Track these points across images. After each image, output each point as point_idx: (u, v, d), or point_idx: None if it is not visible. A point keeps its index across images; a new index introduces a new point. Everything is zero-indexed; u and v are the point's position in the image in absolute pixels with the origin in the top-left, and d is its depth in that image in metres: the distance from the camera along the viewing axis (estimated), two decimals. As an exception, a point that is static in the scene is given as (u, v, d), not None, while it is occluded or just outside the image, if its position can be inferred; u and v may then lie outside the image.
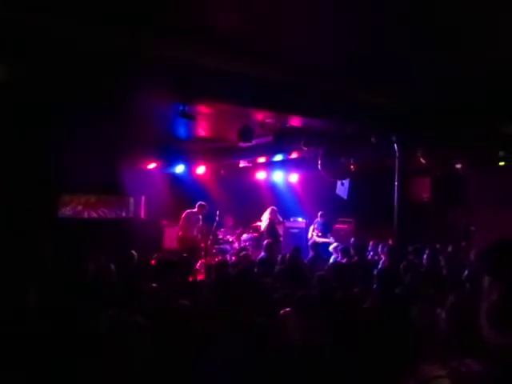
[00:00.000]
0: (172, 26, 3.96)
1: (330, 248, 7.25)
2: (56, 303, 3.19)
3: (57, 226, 8.61)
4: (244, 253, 7.47)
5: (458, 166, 8.69)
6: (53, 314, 2.96)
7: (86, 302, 3.26)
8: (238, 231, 10.44)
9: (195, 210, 8.79)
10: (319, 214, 9.26)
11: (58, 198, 9.58)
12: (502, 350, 1.13)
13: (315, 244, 7.49)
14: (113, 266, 4.87)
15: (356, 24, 3.83)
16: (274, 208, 9.38)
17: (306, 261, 6.57)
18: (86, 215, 10.06)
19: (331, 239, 8.91)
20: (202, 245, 9.10)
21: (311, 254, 7.13)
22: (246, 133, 6.07)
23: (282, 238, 9.67)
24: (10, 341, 2.58)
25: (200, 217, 8.83)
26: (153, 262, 6.13)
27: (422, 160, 7.39)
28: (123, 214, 10.62)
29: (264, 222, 9.31)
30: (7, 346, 2.54)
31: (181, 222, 8.79)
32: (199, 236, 8.91)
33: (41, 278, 3.89)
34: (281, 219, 9.61)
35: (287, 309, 2.85)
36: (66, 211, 9.80)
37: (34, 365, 2.42)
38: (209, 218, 9.39)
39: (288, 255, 5.99)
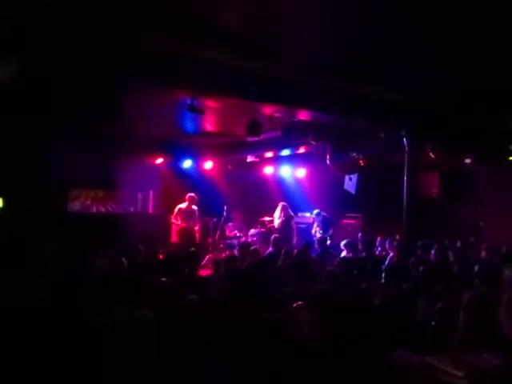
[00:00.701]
0: (182, 20, 3.94)
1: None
2: (64, 297, 3.21)
3: (65, 221, 8.67)
4: (254, 247, 7.47)
5: (468, 161, 8.59)
6: (61, 309, 2.97)
7: (94, 296, 3.27)
8: (245, 226, 10.44)
9: (186, 202, 8.80)
10: (315, 212, 9.37)
11: (67, 192, 9.64)
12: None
13: (323, 239, 7.48)
14: (124, 260, 4.90)
15: (367, 16, 3.79)
16: (285, 204, 9.37)
17: (314, 256, 6.55)
18: (94, 210, 10.13)
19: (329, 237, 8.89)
20: (210, 240, 9.12)
21: (318, 249, 7.12)
22: (254, 127, 6.04)
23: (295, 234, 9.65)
24: (18, 333, 2.60)
25: (194, 208, 8.81)
26: (160, 256, 6.16)
27: (431, 155, 7.31)
28: (131, 209, 10.67)
29: (276, 219, 9.31)
30: (16, 338, 2.56)
31: (173, 218, 8.82)
32: (198, 228, 8.91)
33: (50, 272, 3.92)
34: (292, 214, 9.58)
35: (299, 302, 2.84)
36: (75, 206, 9.86)
37: (41, 357, 2.43)
38: (216, 212, 9.41)
39: (296, 251, 5.98)
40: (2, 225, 7.90)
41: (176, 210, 8.78)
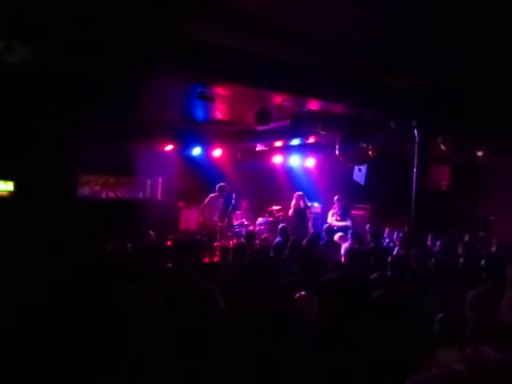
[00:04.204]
0: (192, 5, 3.92)
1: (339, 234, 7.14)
2: (74, 280, 3.26)
3: (76, 205, 8.77)
4: (264, 236, 7.49)
5: (480, 153, 8.48)
6: (71, 291, 3.02)
7: (103, 279, 3.32)
8: (252, 214, 10.46)
9: (216, 193, 8.81)
10: (336, 198, 9.19)
11: (77, 177, 9.72)
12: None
13: (329, 228, 7.47)
14: (129, 245, 4.96)
15: (380, 3, 3.74)
16: (300, 193, 9.31)
17: (321, 245, 6.57)
18: (103, 195, 10.21)
19: (349, 222, 8.88)
20: (218, 228, 9.18)
21: (325, 238, 7.12)
22: (264, 115, 6.03)
23: (309, 223, 9.57)
24: (29, 316, 2.65)
25: (222, 199, 8.87)
26: (169, 243, 6.22)
27: (442, 147, 7.24)
28: (140, 195, 10.75)
29: (292, 208, 9.30)
30: (26, 321, 2.61)
31: (203, 207, 8.85)
32: (218, 220, 9.00)
33: (61, 255, 3.98)
34: (308, 204, 9.49)
35: (302, 292, 2.85)
36: (85, 191, 9.95)
37: (50, 340, 2.47)
38: (225, 200, 9.44)
39: (305, 240, 5.99)
40: (13, 209, 8.01)
41: (208, 199, 8.78)
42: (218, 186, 8.84)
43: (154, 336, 2.38)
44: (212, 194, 8.82)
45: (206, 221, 8.75)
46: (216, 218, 8.86)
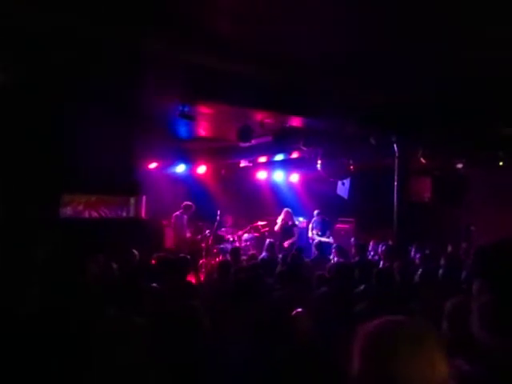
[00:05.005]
0: (172, 26, 3.97)
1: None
2: (56, 303, 3.20)
3: (58, 226, 8.63)
4: (251, 253, 7.48)
5: (459, 165, 8.68)
6: (52, 314, 2.97)
7: (85, 301, 3.27)
8: (238, 231, 10.45)
9: (181, 211, 8.97)
10: (315, 212, 9.26)
11: (59, 197, 9.59)
12: (492, 350, 1.14)
13: (320, 244, 7.49)
14: (114, 265, 4.90)
15: (355, 22, 3.84)
16: (288, 210, 9.35)
17: (308, 260, 6.57)
18: (86, 215, 10.08)
19: (331, 239, 8.90)
20: (203, 245, 9.13)
21: (315, 253, 7.12)
22: (246, 133, 6.08)
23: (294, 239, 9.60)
24: (8, 340, 2.59)
25: (185, 217, 8.99)
26: (153, 261, 6.16)
27: (422, 160, 7.39)
28: (124, 214, 10.64)
29: (278, 223, 9.32)
30: (5, 345, 2.55)
31: (172, 226, 9.00)
32: (194, 236, 9.04)
33: (41, 278, 3.91)
34: (295, 222, 9.51)
35: (299, 309, 2.86)
36: (67, 211, 9.82)
37: (31, 364, 2.42)
38: (210, 217, 9.42)
39: (290, 255, 6.01)
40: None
41: (173, 218, 8.95)
42: (183, 204, 9.05)
43: (137, 363, 2.35)
44: (176, 213, 9.01)
45: (179, 238, 8.89)
46: (188, 234, 8.93)
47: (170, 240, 10.03)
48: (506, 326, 1.11)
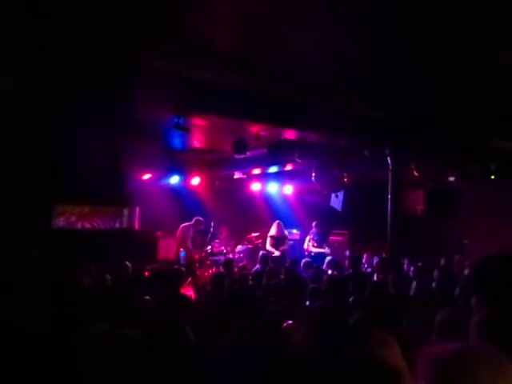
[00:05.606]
0: (168, 39, 4.00)
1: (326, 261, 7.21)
2: (48, 315, 3.16)
3: (50, 238, 8.56)
4: (242, 264, 7.46)
5: (452, 179, 8.75)
6: (43, 326, 2.93)
7: (78, 314, 3.23)
8: (232, 243, 10.43)
9: (191, 223, 8.88)
10: (314, 223, 9.26)
11: (52, 208, 9.53)
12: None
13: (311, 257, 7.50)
14: (108, 277, 4.85)
15: (349, 38, 3.89)
16: (279, 222, 9.37)
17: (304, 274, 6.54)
18: (79, 226, 10.01)
19: (327, 249, 8.91)
20: (197, 257, 9.09)
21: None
22: (240, 145, 6.10)
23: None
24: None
25: (192, 230, 8.93)
26: (146, 273, 6.11)
27: (415, 173, 7.45)
28: (117, 225, 10.58)
29: (269, 239, 9.31)
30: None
31: (178, 238, 8.90)
32: (192, 248, 8.97)
33: (31, 288, 3.87)
34: (285, 233, 9.51)
35: (290, 322, 2.84)
36: (60, 222, 9.74)
37: (23, 376, 2.38)
38: (203, 229, 9.39)
39: (284, 268, 5.99)
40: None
41: (180, 228, 8.91)
42: (194, 219, 8.96)
43: (126, 372, 2.32)
44: (185, 224, 8.93)
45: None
46: (189, 245, 8.91)
47: (163, 251, 9.98)
48: (503, 341, 1.11)
